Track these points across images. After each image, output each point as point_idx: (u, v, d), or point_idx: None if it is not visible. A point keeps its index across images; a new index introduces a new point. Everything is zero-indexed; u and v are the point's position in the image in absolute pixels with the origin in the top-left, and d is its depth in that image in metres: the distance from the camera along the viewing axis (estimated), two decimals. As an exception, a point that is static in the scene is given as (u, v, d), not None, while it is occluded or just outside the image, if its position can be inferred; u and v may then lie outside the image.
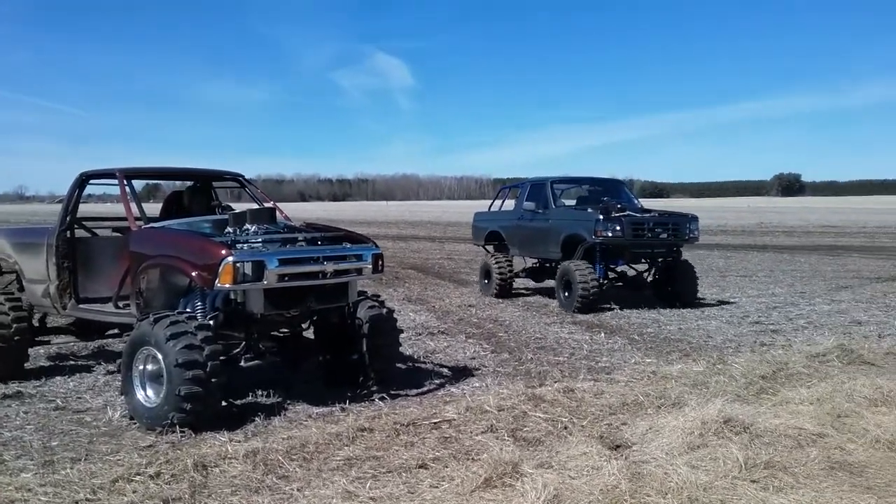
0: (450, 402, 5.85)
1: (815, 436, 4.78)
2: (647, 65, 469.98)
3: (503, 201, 14.57)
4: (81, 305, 6.70)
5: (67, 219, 6.74)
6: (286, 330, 6.42)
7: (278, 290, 5.55)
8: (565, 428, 5.10)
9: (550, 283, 12.89)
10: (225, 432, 5.14)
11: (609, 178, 14.86)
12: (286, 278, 5.49)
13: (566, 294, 11.27)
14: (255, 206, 6.97)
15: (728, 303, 12.25)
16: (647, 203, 13.90)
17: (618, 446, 4.61)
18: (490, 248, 14.03)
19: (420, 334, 9.22)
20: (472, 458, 4.42)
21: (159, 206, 7.17)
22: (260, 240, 5.74)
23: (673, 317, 10.70)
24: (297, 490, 4.03)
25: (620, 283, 12.23)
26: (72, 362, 7.65)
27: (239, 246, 5.55)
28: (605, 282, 11.73)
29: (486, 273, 13.57)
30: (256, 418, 5.49)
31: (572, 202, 13.08)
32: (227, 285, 5.32)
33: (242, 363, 6.10)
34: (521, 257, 13.65)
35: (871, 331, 9.41)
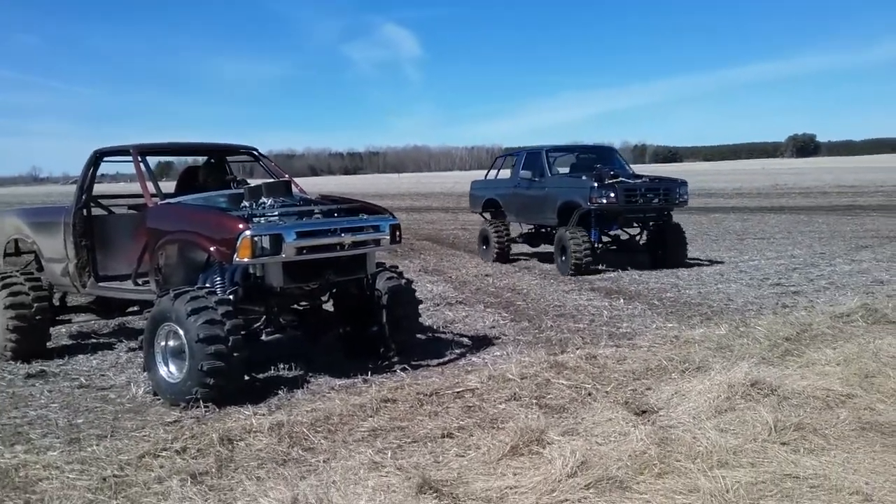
0: (472, 372, 5.83)
1: (844, 396, 4.72)
2: (658, 28, 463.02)
3: (499, 170, 14.90)
4: (101, 283, 6.71)
5: (83, 197, 6.73)
6: (306, 303, 6.40)
7: (297, 263, 5.52)
8: (589, 394, 5.07)
9: (545, 247, 13.66)
10: (249, 406, 5.15)
11: (602, 146, 15.59)
12: (304, 251, 5.46)
13: (563, 258, 11.79)
14: (270, 179, 6.91)
15: (747, 265, 12.15)
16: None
17: (644, 412, 4.58)
18: (487, 215, 14.60)
19: (438, 305, 9.20)
20: (498, 427, 4.40)
21: (173, 184, 7.14)
22: (276, 213, 5.71)
23: (692, 281, 10.62)
24: (324, 462, 4.03)
25: (614, 247, 12.83)
26: (94, 340, 7.70)
27: (256, 220, 5.51)
28: (600, 245, 12.33)
29: (484, 239, 14.13)
30: (279, 392, 5.50)
31: (566, 170, 13.54)
32: (246, 259, 5.29)
33: (263, 337, 6.08)
34: (518, 223, 14.16)
35: (894, 290, 9.28)
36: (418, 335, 7.04)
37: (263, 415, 4.89)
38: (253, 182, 6.60)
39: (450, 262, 14.16)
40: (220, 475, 3.90)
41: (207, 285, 5.67)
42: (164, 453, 4.20)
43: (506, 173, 14.50)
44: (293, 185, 6.47)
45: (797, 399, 4.67)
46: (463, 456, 4.00)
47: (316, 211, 5.92)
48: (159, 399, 5.41)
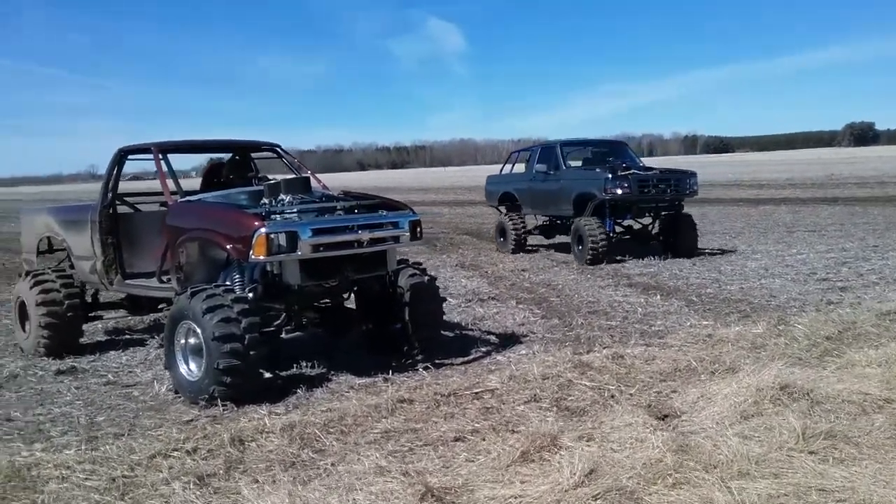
0: (494, 371, 5.70)
1: (882, 401, 4.44)
2: (709, 16, 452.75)
3: (513, 165, 15.44)
4: (128, 281, 6.76)
5: (109, 195, 6.79)
6: (327, 301, 6.35)
7: (314, 261, 5.46)
8: (612, 397, 4.90)
9: (561, 238, 14.21)
10: (266, 405, 5.12)
11: (613, 140, 16.37)
12: (321, 248, 5.39)
13: (580, 248, 12.18)
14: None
15: (794, 259, 11.70)
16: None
17: (665, 416, 4.37)
18: (503, 208, 15.01)
19: (470, 301, 9.07)
20: (511, 430, 4.27)
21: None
22: (295, 210, 5.65)
23: (735, 276, 10.27)
24: (332, 465, 3.95)
25: (628, 237, 13.28)
26: (127, 336, 7.79)
27: (273, 217, 5.47)
28: (614, 235, 12.67)
29: (501, 231, 14.60)
30: (299, 390, 5.45)
31: (578, 164, 13.95)
32: (262, 257, 5.25)
33: (284, 335, 6.05)
34: (534, 216, 14.74)
35: (949, 286, 8.82)
36: (444, 332, 6.93)
37: (279, 414, 4.84)
38: (273, 178, 6.57)
39: (487, 256, 14.03)
40: (228, 477, 3.86)
41: (226, 283, 5.66)
42: (174, 454, 4.18)
43: (520, 168, 15.04)
44: (314, 181, 6.40)
45: (830, 404, 4.42)
46: (472, 461, 3.88)
47: (336, 207, 5.85)
48: (180, 397, 5.42)
